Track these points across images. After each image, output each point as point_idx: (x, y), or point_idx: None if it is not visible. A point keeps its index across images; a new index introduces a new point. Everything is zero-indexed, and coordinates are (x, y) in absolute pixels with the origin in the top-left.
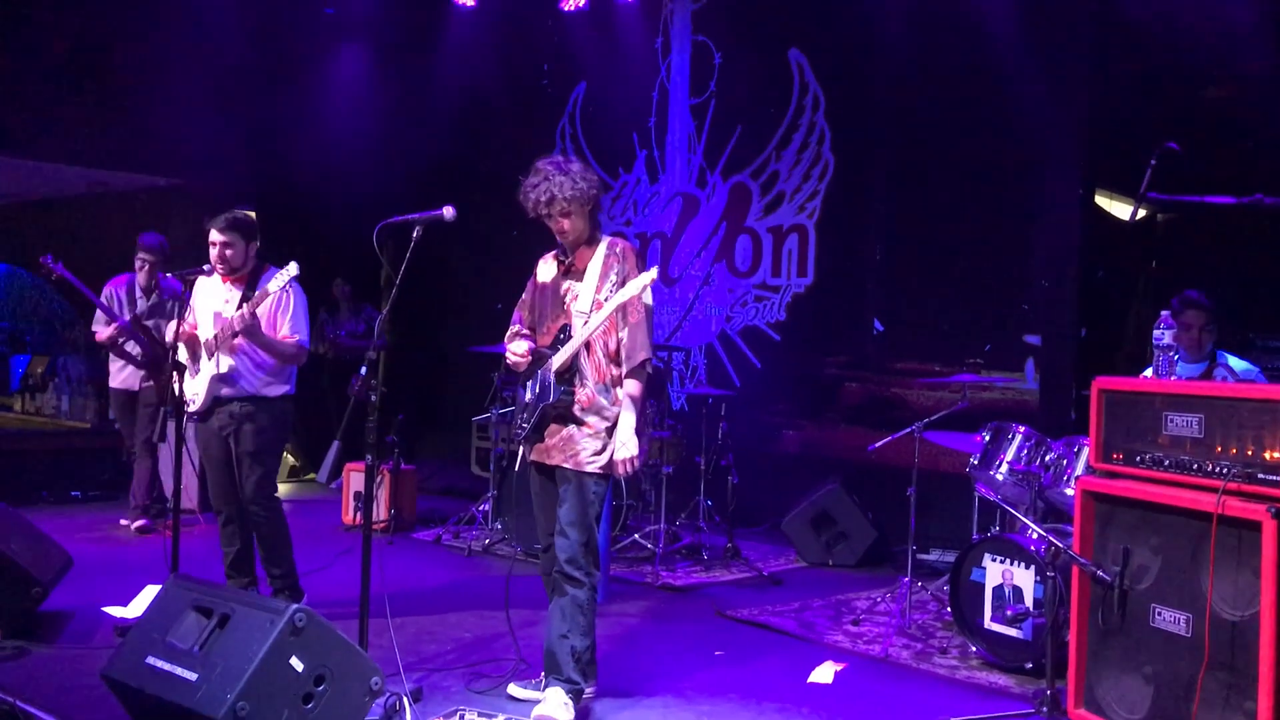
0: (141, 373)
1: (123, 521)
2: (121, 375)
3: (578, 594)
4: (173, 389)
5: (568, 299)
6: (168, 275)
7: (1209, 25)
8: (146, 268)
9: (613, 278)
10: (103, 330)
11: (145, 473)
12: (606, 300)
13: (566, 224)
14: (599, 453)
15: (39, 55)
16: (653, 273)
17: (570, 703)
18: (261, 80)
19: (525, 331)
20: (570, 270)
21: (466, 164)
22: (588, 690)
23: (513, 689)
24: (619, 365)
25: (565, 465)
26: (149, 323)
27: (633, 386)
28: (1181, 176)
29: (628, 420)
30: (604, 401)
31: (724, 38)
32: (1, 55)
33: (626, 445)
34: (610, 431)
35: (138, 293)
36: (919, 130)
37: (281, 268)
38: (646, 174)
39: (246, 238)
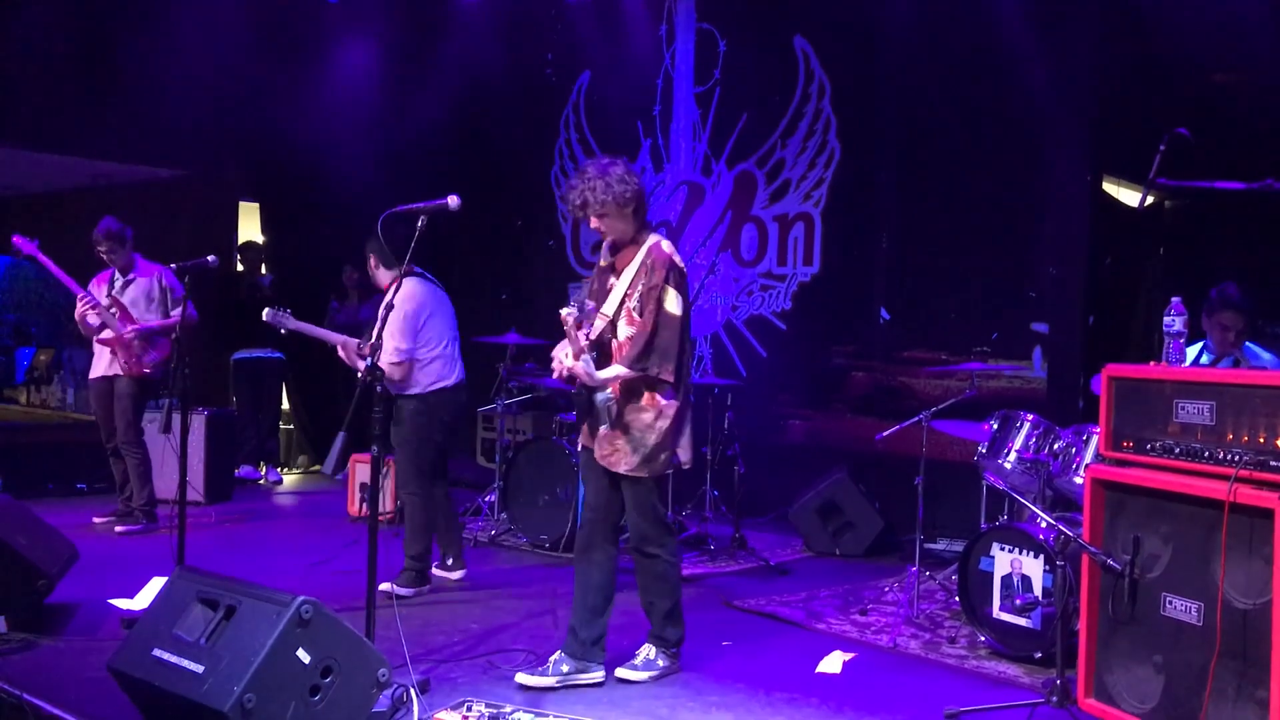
0: (118, 360)
1: (96, 520)
2: (100, 365)
3: (654, 565)
4: (179, 378)
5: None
6: (173, 267)
7: (1217, 9)
8: (108, 255)
9: (640, 288)
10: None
11: (134, 467)
12: (633, 309)
13: (603, 225)
14: (633, 453)
15: (41, 46)
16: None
17: (659, 650)
18: (265, 71)
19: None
20: (614, 267)
21: (471, 153)
22: (597, 672)
23: (521, 678)
24: (650, 369)
25: (606, 465)
26: (124, 299)
27: (618, 369)
28: (1191, 162)
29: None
30: (641, 404)
31: (728, 25)
32: (3, 46)
33: (576, 366)
34: (651, 437)
35: (118, 280)
36: (925, 117)
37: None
38: (651, 163)
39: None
